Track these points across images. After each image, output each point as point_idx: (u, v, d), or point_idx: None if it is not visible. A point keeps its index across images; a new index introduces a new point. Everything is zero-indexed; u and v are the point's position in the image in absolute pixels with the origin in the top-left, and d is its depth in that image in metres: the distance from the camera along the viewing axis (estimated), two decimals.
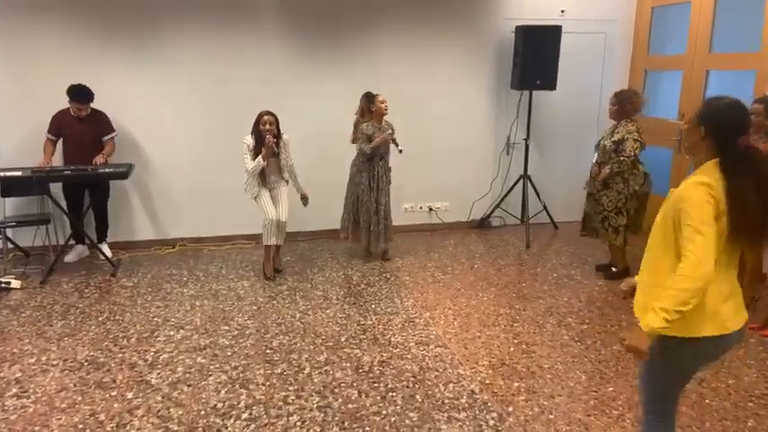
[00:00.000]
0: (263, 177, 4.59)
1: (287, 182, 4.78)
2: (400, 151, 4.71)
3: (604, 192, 4.51)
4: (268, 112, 4.43)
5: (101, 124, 4.92)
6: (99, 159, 4.82)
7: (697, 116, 1.93)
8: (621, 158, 4.33)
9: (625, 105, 4.41)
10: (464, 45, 5.76)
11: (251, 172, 4.47)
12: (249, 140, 4.47)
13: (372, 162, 4.86)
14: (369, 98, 4.81)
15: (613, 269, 4.75)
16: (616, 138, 4.40)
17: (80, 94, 4.71)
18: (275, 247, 4.79)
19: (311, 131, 5.55)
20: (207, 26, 5.18)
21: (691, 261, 1.78)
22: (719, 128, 1.86)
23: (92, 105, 4.86)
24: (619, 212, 4.47)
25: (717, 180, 1.83)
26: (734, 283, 1.96)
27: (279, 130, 4.50)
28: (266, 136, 4.37)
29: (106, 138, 4.95)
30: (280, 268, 4.93)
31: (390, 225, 5.09)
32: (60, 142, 4.90)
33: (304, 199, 4.81)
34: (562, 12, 5.84)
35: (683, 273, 1.79)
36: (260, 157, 4.41)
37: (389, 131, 4.79)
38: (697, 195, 1.82)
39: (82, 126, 4.81)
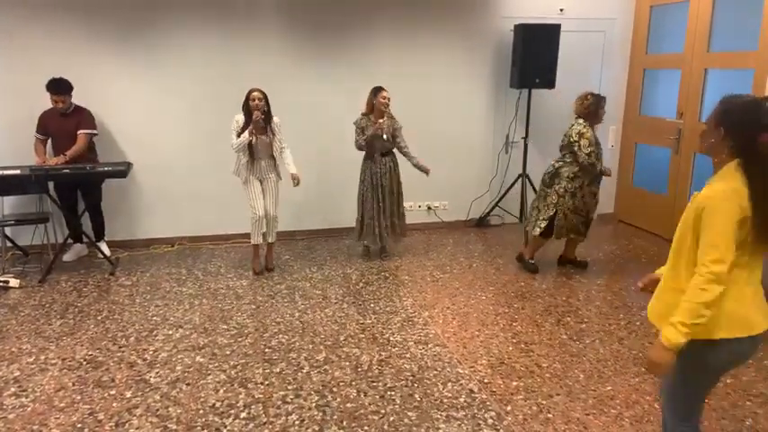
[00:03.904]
0: (252, 163, 4.60)
1: (279, 175, 4.77)
2: (387, 139, 4.76)
3: (588, 188, 4.58)
4: (257, 89, 4.48)
5: (79, 119, 4.84)
6: (55, 161, 4.66)
7: (715, 117, 1.86)
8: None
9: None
10: (463, 44, 5.76)
11: (236, 147, 4.50)
12: (239, 118, 4.53)
13: (373, 159, 4.86)
14: (375, 92, 4.76)
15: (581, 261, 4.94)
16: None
17: (56, 85, 4.66)
18: (266, 244, 4.86)
19: (311, 131, 5.55)
20: (206, 26, 5.18)
21: (705, 275, 1.78)
22: (739, 128, 1.79)
23: (86, 104, 4.85)
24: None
25: (740, 183, 1.79)
26: (758, 284, 1.90)
27: (269, 108, 4.53)
28: (255, 111, 4.42)
29: (79, 132, 4.80)
30: (271, 267, 4.92)
31: (398, 223, 5.07)
32: (50, 142, 4.88)
33: (294, 179, 4.66)
34: (561, 10, 5.84)
35: (699, 285, 1.79)
36: (246, 132, 4.44)
37: (385, 126, 4.77)
38: (725, 208, 1.77)
39: (64, 122, 4.77)
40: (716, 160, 1.89)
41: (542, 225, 4.65)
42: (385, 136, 4.74)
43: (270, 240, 4.85)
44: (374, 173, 4.88)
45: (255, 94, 4.46)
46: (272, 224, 4.79)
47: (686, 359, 1.93)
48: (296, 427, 2.79)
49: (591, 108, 4.46)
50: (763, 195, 1.76)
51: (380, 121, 4.70)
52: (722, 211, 1.78)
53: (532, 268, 4.82)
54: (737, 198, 1.77)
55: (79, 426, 2.80)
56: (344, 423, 2.82)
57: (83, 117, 4.88)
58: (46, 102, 4.75)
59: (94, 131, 4.92)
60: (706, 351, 1.90)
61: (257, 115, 4.41)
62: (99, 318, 3.98)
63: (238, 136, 4.49)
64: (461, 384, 3.16)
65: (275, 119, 4.60)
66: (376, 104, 4.73)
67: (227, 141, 4.56)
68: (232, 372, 3.28)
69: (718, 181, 1.85)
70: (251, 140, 4.47)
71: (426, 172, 4.95)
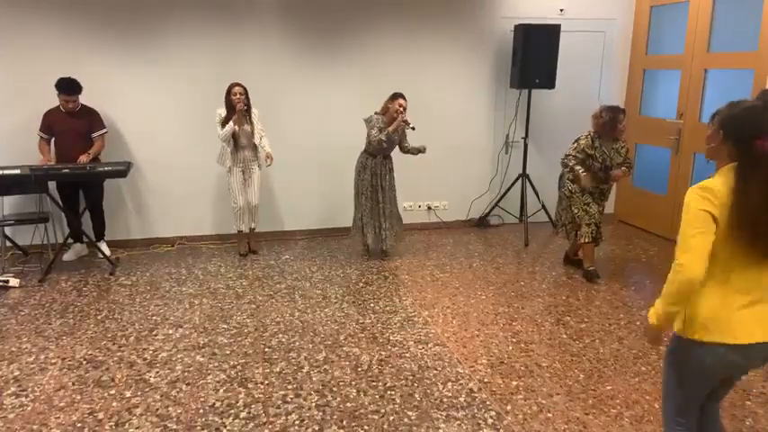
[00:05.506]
0: (236, 153, 4.91)
1: (260, 165, 5.07)
2: (413, 128, 4.74)
3: (583, 197, 4.66)
4: (237, 84, 4.79)
5: (91, 120, 4.88)
6: (83, 158, 4.73)
7: (717, 121, 1.91)
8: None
9: None
10: (463, 44, 5.76)
11: (222, 137, 4.82)
12: (221, 111, 4.83)
13: (376, 160, 4.86)
14: (392, 98, 4.74)
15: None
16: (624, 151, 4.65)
17: (68, 85, 4.67)
18: (249, 230, 5.19)
19: (310, 130, 5.56)
20: (206, 25, 5.18)
21: (674, 268, 1.83)
22: (736, 131, 1.83)
23: (86, 103, 4.86)
24: None
25: (725, 184, 1.80)
26: (755, 293, 1.87)
27: (249, 101, 4.84)
28: (237, 104, 4.71)
29: (96, 134, 4.91)
30: (255, 250, 5.25)
31: (395, 225, 5.08)
32: (53, 141, 4.88)
33: (268, 158, 4.91)
34: (561, 11, 5.84)
35: (670, 278, 1.86)
36: (231, 122, 4.74)
37: (409, 125, 4.75)
38: (693, 202, 1.83)
39: (72, 122, 4.78)
40: (718, 164, 1.91)
41: (573, 230, 4.75)
42: (413, 125, 4.72)
43: (253, 226, 5.18)
44: (374, 173, 4.88)
45: (237, 89, 4.76)
46: (255, 212, 5.12)
47: (675, 357, 1.99)
48: (296, 427, 2.79)
49: (606, 125, 4.45)
50: (743, 192, 1.77)
51: (405, 118, 4.70)
52: (689, 204, 1.84)
53: (591, 275, 4.66)
54: (705, 193, 1.82)
55: (79, 425, 2.80)
56: (344, 423, 2.82)
57: (95, 118, 4.92)
58: (47, 102, 4.76)
59: (106, 130, 4.99)
60: (694, 350, 1.92)
61: (240, 107, 4.69)
62: (99, 317, 3.98)
63: (222, 127, 4.78)
64: (461, 384, 3.16)
65: (254, 110, 4.90)
66: (390, 110, 4.72)
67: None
68: (232, 371, 3.28)
69: (706, 180, 1.87)
70: (235, 130, 4.78)
71: (423, 149, 4.93)
